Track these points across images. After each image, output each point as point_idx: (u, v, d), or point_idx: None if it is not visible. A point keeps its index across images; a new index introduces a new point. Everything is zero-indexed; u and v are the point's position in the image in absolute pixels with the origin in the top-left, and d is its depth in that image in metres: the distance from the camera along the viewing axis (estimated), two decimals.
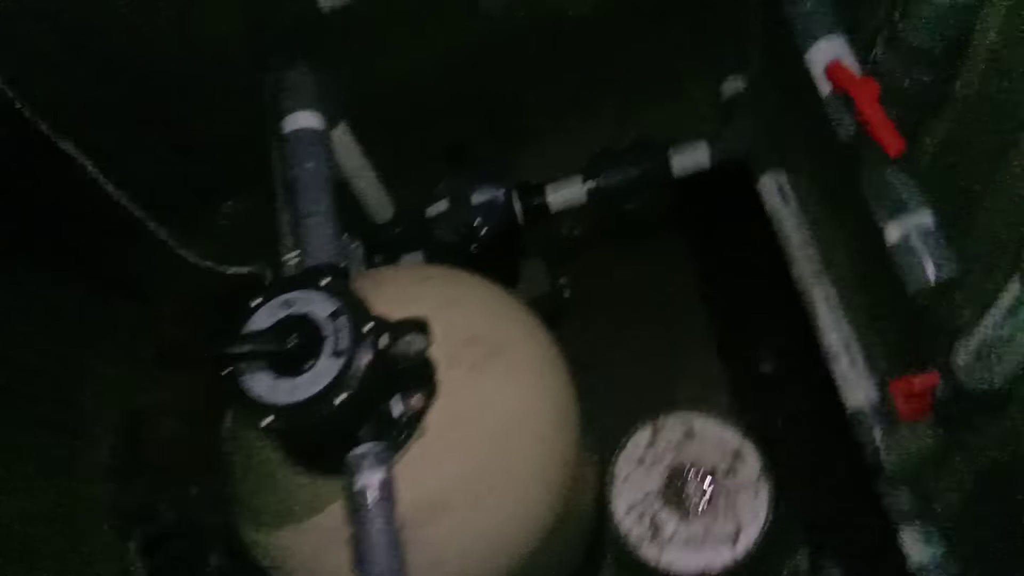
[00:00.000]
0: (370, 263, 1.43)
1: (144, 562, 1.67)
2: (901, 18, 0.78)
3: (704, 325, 1.71)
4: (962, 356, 0.76)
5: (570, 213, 1.71)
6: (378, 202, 1.38)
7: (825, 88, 0.91)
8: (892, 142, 0.76)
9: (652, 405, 1.30)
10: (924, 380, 0.79)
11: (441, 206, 1.46)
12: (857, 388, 1.18)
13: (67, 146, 1.20)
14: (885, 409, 1.13)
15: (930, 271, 0.84)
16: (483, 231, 1.46)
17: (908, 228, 0.88)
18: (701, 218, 1.75)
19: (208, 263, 1.51)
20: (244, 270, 1.54)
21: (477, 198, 1.46)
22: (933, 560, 1.07)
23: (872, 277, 1.14)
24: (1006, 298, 0.69)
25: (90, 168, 1.24)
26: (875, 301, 1.17)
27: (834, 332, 1.23)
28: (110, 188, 1.27)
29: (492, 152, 1.57)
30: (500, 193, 1.47)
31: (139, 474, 1.72)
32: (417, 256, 1.47)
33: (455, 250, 1.44)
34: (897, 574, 1.22)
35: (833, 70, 0.88)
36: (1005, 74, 0.76)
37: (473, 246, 1.46)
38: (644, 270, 1.76)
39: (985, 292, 0.77)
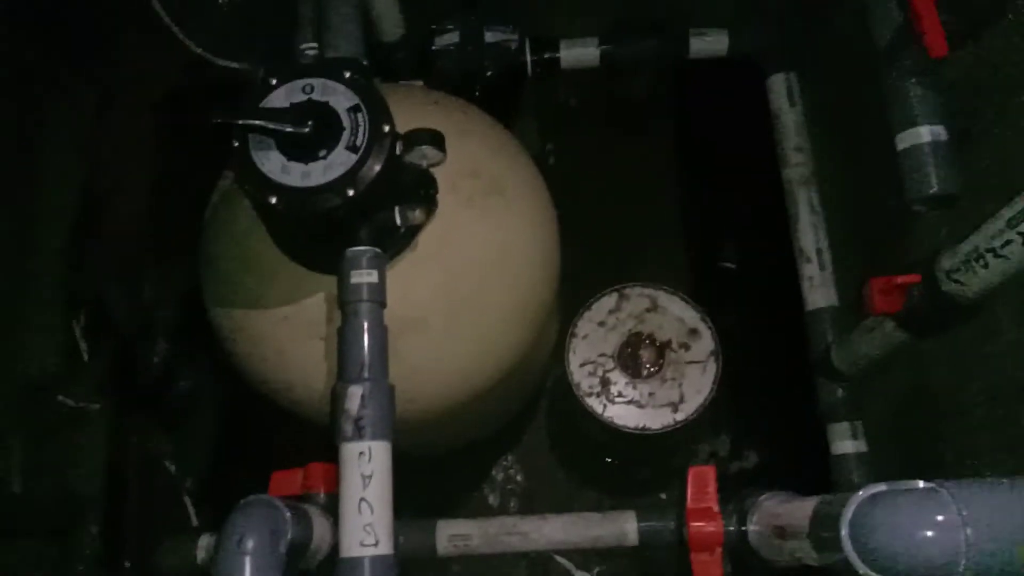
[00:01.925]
0: None
1: (88, 343, 1.68)
2: None
3: (677, 215, 1.74)
4: (947, 262, 0.80)
5: (572, 80, 1.67)
6: (390, 18, 1.33)
7: None
8: (937, 43, 0.77)
9: (613, 280, 1.33)
10: (907, 278, 0.84)
11: (451, 38, 1.42)
12: (821, 290, 1.24)
13: None
14: (846, 310, 1.19)
15: (934, 181, 0.87)
16: (488, 73, 1.43)
17: (921, 138, 0.90)
18: (694, 114, 1.76)
19: (200, 50, 1.45)
20: (234, 65, 1.48)
21: (490, 38, 1.42)
22: (855, 454, 1.16)
23: (865, 184, 1.18)
24: (1005, 213, 0.73)
25: None
26: (861, 208, 1.22)
27: (811, 235, 1.27)
28: None
29: None
30: (514, 38, 1.43)
31: (93, 258, 1.70)
32: (416, 84, 1.43)
33: (456, 87, 1.41)
34: (812, 470, 1.32)
35: None
36: None
37: (476, 87, 1.43)
38: (628, 154, 1.76)
39: (982, 208, 0.81)
